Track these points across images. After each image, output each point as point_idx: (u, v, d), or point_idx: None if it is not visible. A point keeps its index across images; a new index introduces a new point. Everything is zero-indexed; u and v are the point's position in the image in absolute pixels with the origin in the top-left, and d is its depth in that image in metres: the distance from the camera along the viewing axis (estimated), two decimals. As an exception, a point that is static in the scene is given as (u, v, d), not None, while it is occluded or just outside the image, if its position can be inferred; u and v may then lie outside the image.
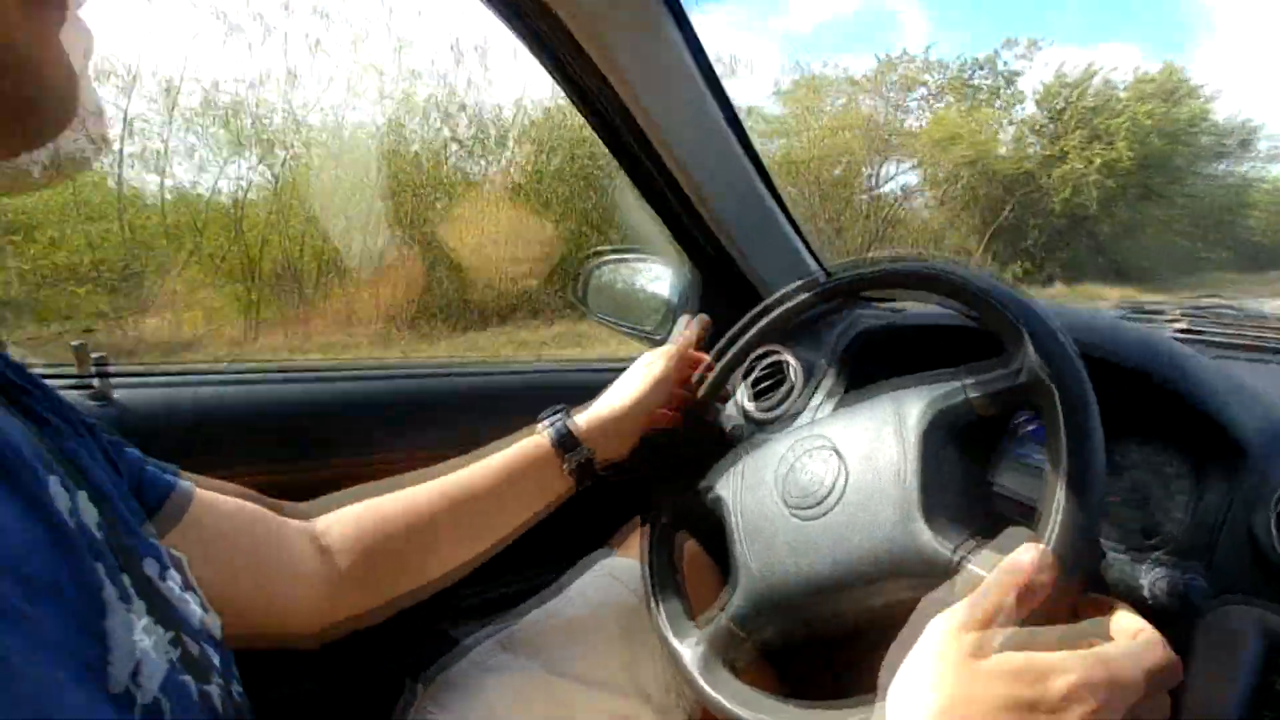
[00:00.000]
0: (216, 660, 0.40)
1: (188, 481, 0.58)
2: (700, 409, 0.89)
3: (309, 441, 0.91)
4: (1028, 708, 0.39)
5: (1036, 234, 13.33)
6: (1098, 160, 12.95)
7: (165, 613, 0.37)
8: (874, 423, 0.65)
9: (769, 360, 1.07)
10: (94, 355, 0.80)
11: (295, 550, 0.64)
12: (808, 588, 0.62)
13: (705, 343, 0.93)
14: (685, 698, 0.78)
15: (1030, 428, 0.78)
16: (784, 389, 1.02)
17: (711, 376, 0.87)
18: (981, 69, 13.94)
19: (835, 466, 0.65)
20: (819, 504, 0.64)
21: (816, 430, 0.70)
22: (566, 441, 0.76)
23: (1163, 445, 0.78)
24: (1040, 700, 0.39)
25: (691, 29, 0.86)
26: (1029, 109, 13.94)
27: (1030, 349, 0.56)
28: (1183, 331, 0.97)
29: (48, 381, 0.46)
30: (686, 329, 0.89)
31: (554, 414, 0.79)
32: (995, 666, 0.41)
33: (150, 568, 0.39)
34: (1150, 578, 0.60)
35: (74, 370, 0.80)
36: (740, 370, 1.09)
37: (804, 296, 0.81)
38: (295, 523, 0.66)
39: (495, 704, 0.74)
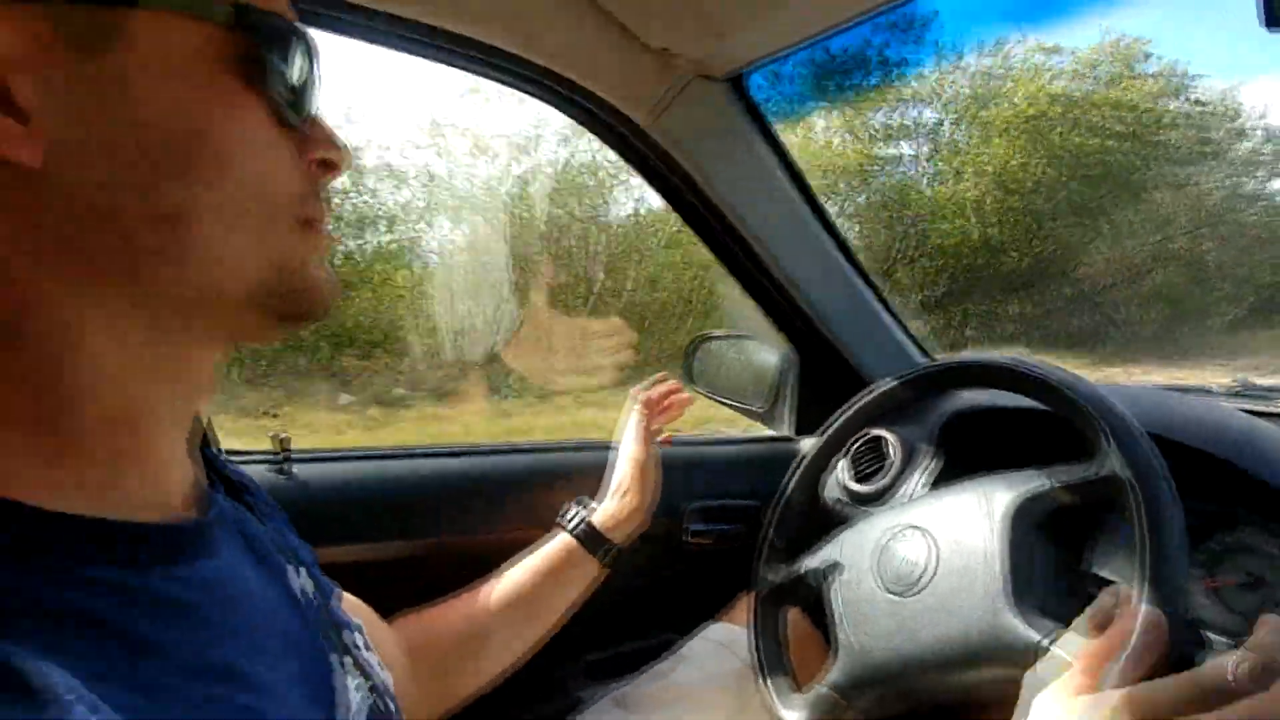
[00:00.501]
0: (394, 710, 0.48)
1: None
2: (809, 486, 0.94)
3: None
4: None
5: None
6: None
7: (364, 670, 0.46)
8: (964, 508, 0.68)
9: (870, 438, 1.10)
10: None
11: (389, 642, 0.69)
12: (904, 665, 0.65)
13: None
14: None
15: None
16: (885, 467, 1.04)
17: (813, 456, 0.92)
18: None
19: (927, 549, 0.68)
20: (913, 584, 0.67)
21: (910, 513, 0.74)
22: (591, 535, 0.83)
23: (1263, 526, 0.75)
24: None
25: (775, 138, 0.94)
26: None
27: (1112, 447, 0.58)
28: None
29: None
30: (646, 391, 0.95)
31: (569, 510, 0.86)
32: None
33: (347, 632, 0.48)
34: (1230, 665, 0.58)
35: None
36: (842, 450, 1.13)
37: (894, 385, 0.84)
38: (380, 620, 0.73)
39: None
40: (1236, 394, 1.02)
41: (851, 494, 1.05)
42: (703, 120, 0.93)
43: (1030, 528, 0.63)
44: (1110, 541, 0.82)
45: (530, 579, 0.80)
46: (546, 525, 0.86)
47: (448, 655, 0.74)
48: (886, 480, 1.03)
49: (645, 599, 1.11)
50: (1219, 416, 0.80)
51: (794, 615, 0.91)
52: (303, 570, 0.45)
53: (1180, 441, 0.76)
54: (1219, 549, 0.80)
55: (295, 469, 0.92)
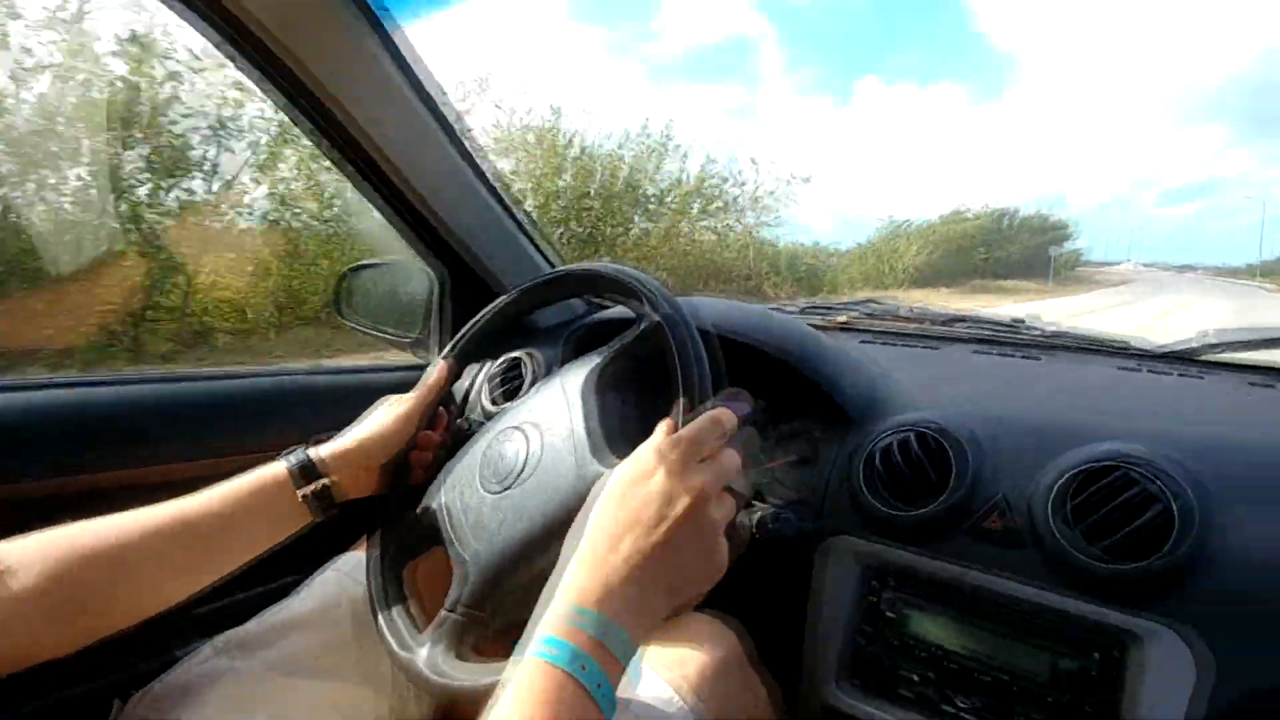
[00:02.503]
0: None
1: None
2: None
3: (41, 454, 0.86)
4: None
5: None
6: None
7: None
8: (550, 398, 0.73)
9: (508, 360, 1.14)
10: None
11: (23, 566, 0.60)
12: (518, 554, 0.66)
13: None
14: None
15: None
16: (523, 387, 1.10)
17: (444, 375, 0.87)
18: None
19: (522, 442, 0.71)
20: (513, 478, 0.69)
21: (507, 416, 0.77)
22: (307, 472, 0.76)
23: (811, 416, 0.94)
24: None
25: (395, 46, 0.91)
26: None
27: (646, 306, 0.66)
28: (844, 324, 1.16)
29: None
30: (433, 374, 0.87)
31: (294, 449, 0.78)
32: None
33: None
34: (753, 519, 0.72)
35: None
36: (482, 371, 1.16)
37: (500, 305, 0.85)
38: None
39: (211, 710, 0.73)
40: (802, 310, 1.25)
41: (488, 415, 1.09)
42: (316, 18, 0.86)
43: (603, 393, 0.70)
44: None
45: (210, 507, 0.71)
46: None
47: (85, 574, 0.64)
48: (523, 396, 1.08)
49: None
50: (779, 322, 0.96)
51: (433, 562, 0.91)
52: None
53: (745, 342, 0.90)
54: (777, 436, 0.98)
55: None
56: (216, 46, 0.87)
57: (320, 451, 0.78)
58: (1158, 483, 0.65)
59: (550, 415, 0.71)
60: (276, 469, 0.76)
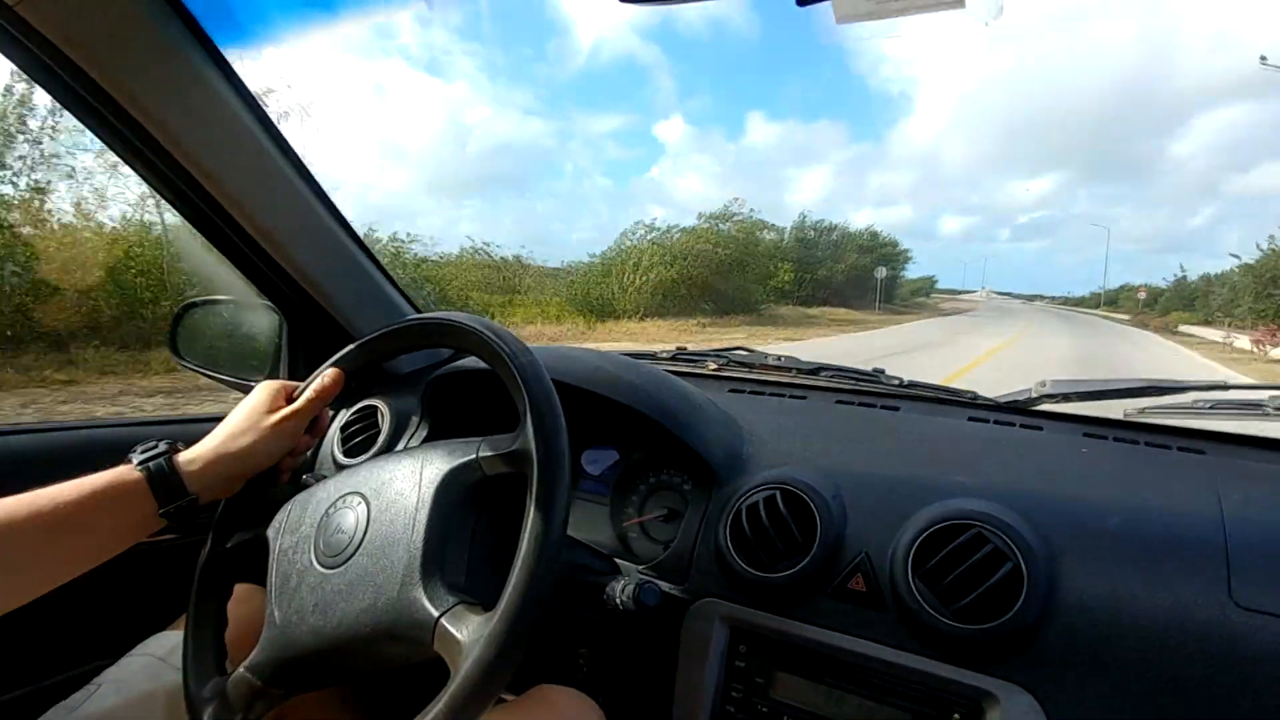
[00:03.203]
0: None
1: None
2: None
3: None
4: None
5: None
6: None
7: None
8: (401, 475, 0.66)
9: (362, 408, 1.06)
10: None
11: None
12: (318, 643, 0.60)
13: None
14: None
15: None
16: (376, 436, 1.02)
17: (338, 384, 0.78)
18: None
19: (362, 517, 0.65)
20: (342, 554, 0.63)
21: (356, 477, 0.69)
22: (168, 483, 0.65)
23: (680, 469, 0.92)
24: None
25: (229, 68, 0.83)
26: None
27: (528, 418, 0.59)
28: (714, 373, 1.16)
29: None
30: (326, 380, 0.77)
31: (152, 446, 0.68)
32: None
33: None
34: (616, 589, 0.69)
35: None
36: (335, 421, 1.07)
37: (352, 349, 0.78)
38: None
39: None
40: (674, 357, 1.24)
41: (340, 467, 1.00)
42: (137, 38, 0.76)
43: (457, 498, 0.63)
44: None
45: (71, 503, 0.61)
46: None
47: None
48: (376, 450, 1.00)
49: (75, 618, 0.92)
50: (650, 378, 0.93)
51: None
52: None
53: (619, 401, 0.88)
54: (646, 489, 0.95)
55: None
56: (21, 69, 0.75)
57: (185, 459, 0.68)
58: (1008, 542, 0.66)
59: (396, 495, 0.64)
60: (129, 474, 0.65)
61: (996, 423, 0.94)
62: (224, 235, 0.95)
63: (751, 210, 25.24)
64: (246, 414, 0.74)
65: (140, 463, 0.66)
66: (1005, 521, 0.68)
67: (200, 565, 0.73)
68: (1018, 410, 0.97)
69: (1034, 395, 0.98)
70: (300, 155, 0.93)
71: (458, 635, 0.54)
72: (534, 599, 0.53)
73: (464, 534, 0.63)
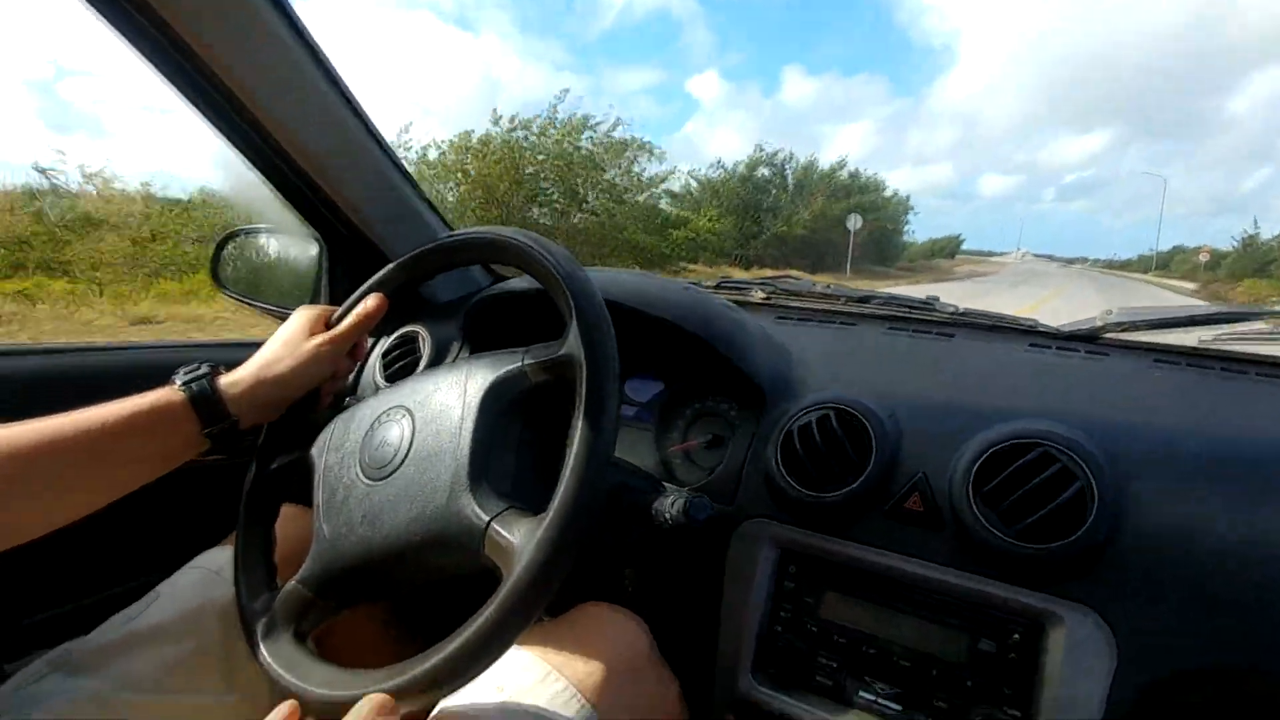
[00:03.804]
0: None
1: None
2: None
3: None
4: None
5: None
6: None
7: None
8: (446, 388, 0.65)
9: (403, 333, 1.06)
10: None
11: None
12: (367, 555, 0.61)
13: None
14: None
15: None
16: (416, 362, 1.01)
17: (381, 308, 0.78)
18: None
19: (407, 430, 0.64)
20: (387, 466, 0.63)
21: (399, 393, 0.69)
22: (210, 405, 0.66)
23: (725, 395, 0.90)
24: None
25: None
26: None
27: (574, 323, 0.59)
28: (761, 302, 1.13)
29: None
30: (371, 304, 0.77)
31: (195, 368, 0.68)
32: None
33: None
34: (664, 505, 0.67)
35: None
36: (376, 347, 1.06)
37: (393, 268, 0.77)
38: None
39: None
40: (718, 286, 1.21)
41: (379, 390, 1.00)
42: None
43: (503, 408, 0.62)
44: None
45: (114, 422, 0.60)
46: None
47: None
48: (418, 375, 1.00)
49: (122, 534, 0.93)
50: (696, 298, 0.91)
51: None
52: None
53: (661, 317, 0.85)
54: (691, 415, 0.94)
55: None
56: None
57: (226, 382, 0.68)
58: (1077, 460, 0.64)
59: (441, 407, 0.64)
60: (173, 395, 0.65)
61: (1059, 349, 0.90)
62: (266, 157, 0.94)
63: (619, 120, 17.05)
64: (285, 340, 0.74)
65: (184, 383, 0.66)
66: (1073, 439, 0.65)
67: (246, 489, 0.73)
68: (1081, 339, 0.93)
69: (1099, 324, 0.94)
70: (337, 71, 0.91)
71: (509, 538, 0.53)
72: (585, 503, 0.52)
73: (509, 443, 0.62)
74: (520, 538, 0.53)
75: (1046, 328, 0.97)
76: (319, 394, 0.77)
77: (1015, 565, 0.64)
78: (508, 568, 0.52)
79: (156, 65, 0.80)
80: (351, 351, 0.78)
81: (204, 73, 0.82)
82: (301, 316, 0.76)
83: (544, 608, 0.52)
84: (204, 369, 0.68)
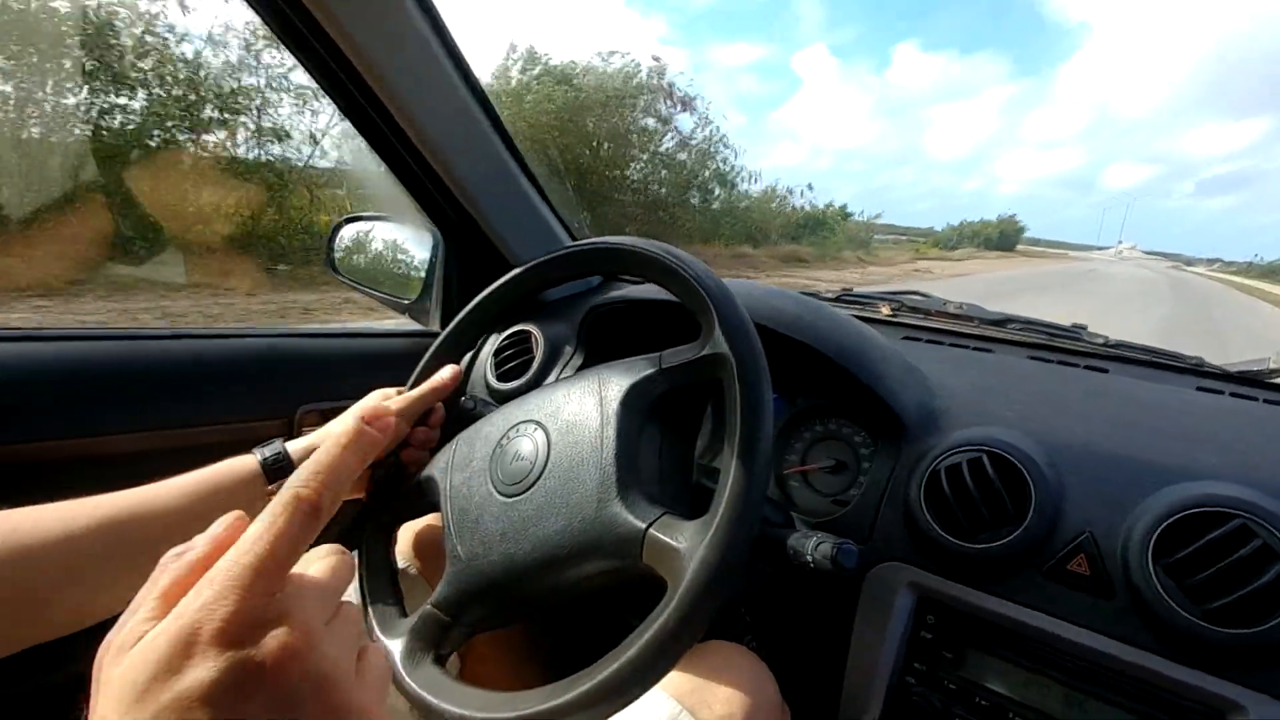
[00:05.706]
0: None
1: None
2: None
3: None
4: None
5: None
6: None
7: None
8: (579, 399, 0.63)
9: (515, 333, 1.04)
10: None
11: None
12: (511, 571, 0.59)
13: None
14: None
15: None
16: (530, 363, 0.99)
17: (456, 380, 0.78)
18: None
19: (541, 442, 0.63)
20: (524, 482, 0.61)
21: (527, 406, 0.67)
22: (283, 471, 0.66)
23: (854, 421, 0.85)
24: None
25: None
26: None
27: (717, 325, 0.57)
28: (888, 317, 1.06)
29: None
30: (446, 376, 0.76)
31: (275, 444, 0.69)
32: None
33: None
34: (806, 546, 0.63)
35: None
36: (487, 344, 1.05)
37: (517, 275, 0.76)
38: None
39: None
40: (838, 298, 1.15)
41: (493, 392, 0.99)
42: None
43: (642, 414, 0.61)
44: (718, 425, 0.84)
45: (180, 499, 0.60)
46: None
47: (34, 586, 0.52)
48: (530, 376, 0.98)
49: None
50: (834, 320, 0.86)
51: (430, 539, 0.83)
52: None
53: (786, 334, 0.81)
54: (811, 438, 0.89)
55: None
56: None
57: (298, 446, 0.69)
58: (1278, 537, 0.57)
59: (576, 416, 0.62)
60: (247, 464, 0.66)
61: (1233, 395, 0.81)
62: (390, 145, 0.93)
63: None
64: (345, 417, 0.73)
65: (263, 458, 0.67)
66: (1275, 513, 0.58)
67: (366, 505, 0.73)
68: (1254, 383, 0.84)
69: (1273, 366, 0.85)
70: (469, 64, 0.89)
71: (673, 543, 0.51)
72: (754, 500, 0.50)
73: (652, 448, 0.61)
74: (686, 540, 0.51)
75: (1213, 367, 0.88)
76: (400, 463, 0.74)
77: (1198, 647, 0.58)
78: (675, 573, 0.50)
79: (296, 48, 0.80)
80: (427, 419, 0.76)
81: (340, 61, 0.81)
82: (370, 398, 0.75)
83: (718, 608, 0.49)
84: (278, 442, 0.68)
